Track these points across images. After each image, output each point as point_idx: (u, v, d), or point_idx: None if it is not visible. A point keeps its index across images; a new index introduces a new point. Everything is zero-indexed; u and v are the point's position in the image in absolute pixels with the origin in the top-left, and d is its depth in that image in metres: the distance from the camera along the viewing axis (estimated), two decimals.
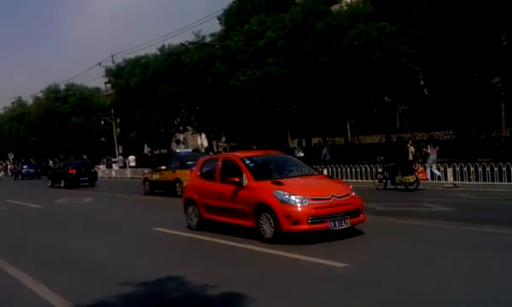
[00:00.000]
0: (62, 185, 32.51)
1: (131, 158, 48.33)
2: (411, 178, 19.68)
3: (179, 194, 19.50)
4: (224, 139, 47.69)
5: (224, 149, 46.05)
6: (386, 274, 7.73)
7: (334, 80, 26.94)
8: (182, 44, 38.55)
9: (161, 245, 11.19)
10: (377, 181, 21.14)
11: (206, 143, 54.36)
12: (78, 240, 12.78)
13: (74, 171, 33.24)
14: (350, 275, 7.68)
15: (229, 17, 35.55)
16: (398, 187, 19.87)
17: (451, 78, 24.97)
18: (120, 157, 51.88)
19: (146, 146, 58.31)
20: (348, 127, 36.77)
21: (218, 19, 38.13)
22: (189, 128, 49.40)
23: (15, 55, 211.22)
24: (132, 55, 48.95)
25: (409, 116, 32.01)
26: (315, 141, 38.11)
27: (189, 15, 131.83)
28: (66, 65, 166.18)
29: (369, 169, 23.61)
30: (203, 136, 53.64)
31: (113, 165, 51.91)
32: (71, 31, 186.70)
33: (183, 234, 11.98)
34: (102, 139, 57.80)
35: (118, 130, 54.30)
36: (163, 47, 43.43)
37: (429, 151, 22.74)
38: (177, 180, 21.53)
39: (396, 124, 34.06)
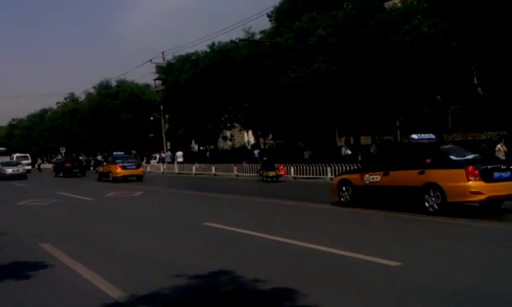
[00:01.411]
0: (61, 175, 44.02)
1: (179, 153, 48.89)
2: (271, 173, 27.41)
3: None
4: (270, 136, 47.67)
5: (271, 147, 45.98)
6: (441, 273, 7.51)
7: (384, 78, 26.55)
8: (232, 41, 38.74)
9: (211, 239, 11.21)
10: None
11: (252, 140, 54.44)
12: (129, 231, 13.00)
13: (69, 165, 45.09)
14: (404, 274, 7.50)
15: (279, 14, 35.50)
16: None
17: (507, 77, 24.21)
18: (168, 152, 52.54)
19: (193, 142, 58.83)
20: (398, 125, 36.13)
21: (268, 16, 38.13)
22: (236, 124, 49.57)
23: (69, 52, 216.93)
24: (183, 52, 49.53)
25: (461, 115, 31.22)
26: (364, 139, 37.63)
27: (239, 12, 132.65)
28: (118, 61, 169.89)
29: None
30: (250, 132, 53.75)
31: (152, 161, 52.76)
32: (123, 28, 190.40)
33: (232, 228, 12.00)
34: (151, 135, 58.67)
35: (166, 126, 54.97)
36: (213, 44, 43.74)
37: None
38: None
39: (448, 123, 33.29)
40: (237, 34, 75.53)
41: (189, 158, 48.37)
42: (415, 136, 15.22)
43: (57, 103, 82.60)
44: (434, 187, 12.69)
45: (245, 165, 35.70)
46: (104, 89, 63.84)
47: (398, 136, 36.39)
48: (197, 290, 7.14)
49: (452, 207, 12.58)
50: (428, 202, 12.80)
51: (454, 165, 12.70)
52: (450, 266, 7.94)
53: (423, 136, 15.13)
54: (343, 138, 39.41)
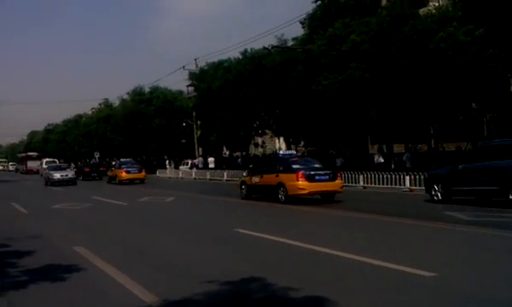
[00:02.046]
0: (81, 178, 47.35)
1: (211, 159, 49.13)
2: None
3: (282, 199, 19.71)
4: (302, 143, 47.52)
5: (302, 153, 45.87)
6: (477, 285, 7.35)
7: (418, 85, 26.22)
8: (264, 48, 38.79)
9: (242, 245, 11.21)
10: None
11: (283, 147, 54.36)
12: (161, 236, 13.12)
13: (88, 169, 51.49)
14: (439, 285, 7.35)
15: (312, 21, 35.43)
16: None
17: None
18: (200, 158, 52.83)
19: (225, 148, 59.04)
20: (432, 133, 35.64)
21: (301, 23, 38.09)
22: (267, 131, 49.55)
23: (104, 58, 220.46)
24: (215, 59, 49.81)
25: (497, 123, 30.62)
26: (397, 147, 37.24)
27: (271, 20, 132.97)
28: (152, 68, 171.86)
29: None
30: (281, 139, 53.67)
31: (182, 166, 53.05)
32: (157, 35, 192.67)
33: (263, 235, 11.99)
34: (183, 141, 59.05)
35: (198, 132, 55.30)
36: (245, 51, 43.81)
37: None
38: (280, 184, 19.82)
39: (483, 131, 32.72)
40: (270, 41, 75.68)
41: (221, 164, 48.55)
42: (281, 152, 26.23)
43: (92, 109, 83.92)
44: (282, 185, 19.57)
45: None
46: (138, 95, 64.53)
47: (432, 143, 35.90)
48: (229, 296, 7.14)
49: (293, 198, 19.25)
50: (280, 195, 19.69)
51: (293, 171, 19.54)
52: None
53: (287, 152, 25.31)
54: (375, 146, 39.05)
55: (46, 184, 41.14)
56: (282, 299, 6.85)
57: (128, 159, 45.08)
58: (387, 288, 7.29)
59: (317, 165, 20.85)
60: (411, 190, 23.44)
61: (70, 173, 43.12)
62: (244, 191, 22.29)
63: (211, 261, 9.53)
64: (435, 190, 18.38)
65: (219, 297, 7.05)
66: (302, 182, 19.08)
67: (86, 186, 39.08)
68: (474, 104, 29.52)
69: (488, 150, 17.35)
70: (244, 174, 28.04)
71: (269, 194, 20.48)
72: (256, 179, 21.54)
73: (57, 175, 40.94)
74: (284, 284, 7.33)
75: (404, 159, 28.84)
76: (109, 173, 43.49)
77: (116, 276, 8.31)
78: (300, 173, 19.13)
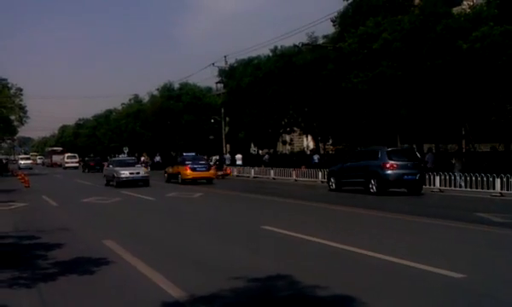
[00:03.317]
0: (87, 171, 59.41)
1: (238, 156, 49.18)
2: (220, 172, 40.56)
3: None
4: (330, 141, 47.26)
5: (327, 152, 45.69)
6: (505, 286, 7.26)
7: (450, 84, 25.82)
8: (295, 46, 38.65)
9: (269, 243, 11.16)
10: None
11: (311, 145, 54.14)
12: (188, 232, 13.19)
13: (93, 164, 61.31)
14: (470, 286, 7.24)
15: (343, 19, 35.14)
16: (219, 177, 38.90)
17: None
18: (228, 155, 52.93)
19: (253, 145, 59.04)
20: (463, 134, 35.06)
21: (332, 21, 37.76)
22: (295, 129, 49.39)
23: (134, 55, 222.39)
24: (245, 56, 49.71)
25: None
26: (428, 146, 36.72)
27: (302, 17, 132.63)
28: (182, 64, 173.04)
29: (479, 178, 22.30)
30: (309, 137, 53.46)
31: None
32: (187, 32, 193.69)
33: (290, 233, 11.97)
34: (211, 137, 59.21)
35: (226, 129, 55.40)
36: (275, 48, 43.66)
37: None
38: None
39: None
40: (300, 39, 75.50)
41: (248, 161, 48.57)
42: (185, 154, 37.42)
43: (122, 104, 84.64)
44: (179, 173, 32.98)
45: (304, 169, 35.57)
46: (167, 91, 64.85)
47: (463, 144, 35.34)
48: (256, 293, 7.12)
49: (185, 181, 32.02)
50: (178, 178, 32.85)
51: (185, 164, 32.91)
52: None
53: (189, 153, 37.13)
54: (405, 145, 38.61)
55: (107, 184, 32.18)
56: (310, 297, 6.76)
57: (192, 154, 37.53)
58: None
59: (201, 162, 34.19)
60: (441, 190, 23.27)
61: (141, 170, 32.61)
62: (166, 177, 35.20)
63: (237, 257, 9.53)
64: (331, 182, 25.73)
65: (246, 293, 7.03)
66: (189, 172, 32.38)
67: None
68: (508, 105, 28.87)
69: (360, 153, 25.57)
70: (215, 167, 40.40)
71: (174, 178, 33.70)
72: (171, 169, 34.77)
73: (125, 172, 30.96)
74: (310, 282, 7.24)
75: (426, 159, 28.42)
76: (169, 170, 35.71)
77: (144, 270, 8.36)
78: (187, 166, 32.79)
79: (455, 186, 23.48)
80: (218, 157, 50.54)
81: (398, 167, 22.15)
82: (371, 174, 22.39)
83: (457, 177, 23.85)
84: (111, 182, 31.65)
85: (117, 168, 31.79)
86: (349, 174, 24.00)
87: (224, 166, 44.18)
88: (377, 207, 17.48)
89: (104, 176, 34.69)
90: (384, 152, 22.83)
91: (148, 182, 31.08)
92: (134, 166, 33.08)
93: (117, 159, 38.39)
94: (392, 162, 22.21)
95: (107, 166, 35.69)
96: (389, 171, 22.08)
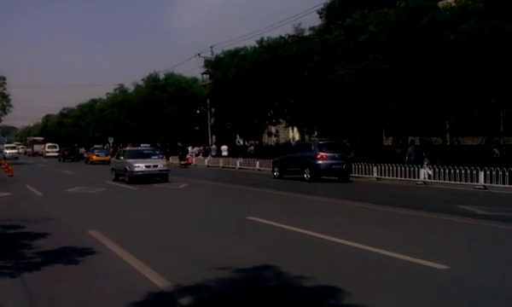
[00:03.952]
0: (63, 160, 61.17)
1: (224, 147, 49.15)
2: (182, 162, 43.50)
3: None
4: (316, 133, 47.32)
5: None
6: (488, 277, 7.36)
7: (435, 78, 25.97)
8: (281, 37, 38.58)
9: (255, 233, 11.20)
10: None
11: (297, 136, 54.20)
12: (173, 222, 13.21)
13: (68, 153, 63.49)
14: (452, 278, 7.33)
15: (330, 11, 35.09)
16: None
17: None
18: (214, 146, 52.87)
19: (238, 136, 59.00)
20: (447, 127, 35.31)
21: (319, 13, 37.71)
22: (281, 121, 49.39)
23: (119, 45, 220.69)
24: (231, 47, 49.50)
25: None
26: (412, 139, 36.97)
27: (289, 9, 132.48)
28: (167, 55, 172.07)
29: (463, 171, 22.44)
30: (295, 129, 53.49)
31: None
32: (174, 22, 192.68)
33: (275, 223, 12.00)
34: (197, 128, 59.08)
35: (212, 120, 55.30)
36: (261, 39, 43.53)
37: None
38: None
39: (500, 126, 32.39)
40: (286, 30, 75.31)
41: (234, 152, 48.57)
42: (143, 145, 36.96)
43: (107, 94, 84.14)
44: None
45: None
46: (152, 81, 64.64)
47: (447, 137, 35.60)
48: (241, 283, 7.15)
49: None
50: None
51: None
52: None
53: (146, 145, 36.86)
54: (390, 138, 38.79)
55: (116, 179, 27.38)
56: (295, 288, 6.81)
57: (99, 146, 49.30)
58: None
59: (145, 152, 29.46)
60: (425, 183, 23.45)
61: (160, 163, 27.21)
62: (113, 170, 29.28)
63: (223, 248, 9.55)
64: (275, 171, 29.01)
65: (232, 284, 7.07)
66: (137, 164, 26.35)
67: (99, 169, 38.68)
68: (492, 99, 29.11)
69: (297, 146, 30.43)
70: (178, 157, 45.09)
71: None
72: (117, 160, 28.74)
73: (140, 166, 25.91)
74: (296, 273, 7.30)
75: (409, 151, 29.06)
76: (86, 156, 50.34)
77: (129, 260, 8.37)
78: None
79: (439, 178, 23.65)
80: (180, 146, 51.98)
81: (328, 158, 25.62)
82: (305, 164, 25.96)
83: (426, 169, 24.81)
84: (121, 177, 26.87)
85: (129, 160, 26.56)
86: (289, 164, 27.91)
87: (187, 156, 47.05)
88: (312, 192, 20.08)
89: (112, 169, 29.13)
90: (316, 145, 26.97)
91: (167, 177, 26.33)
92: (150, 158, 27.75)
93: (130, 149, 33.00)
94: (323, 153, 25.68)
95: (116, 158, 30.13)
96: (320, 161, 25.54)
